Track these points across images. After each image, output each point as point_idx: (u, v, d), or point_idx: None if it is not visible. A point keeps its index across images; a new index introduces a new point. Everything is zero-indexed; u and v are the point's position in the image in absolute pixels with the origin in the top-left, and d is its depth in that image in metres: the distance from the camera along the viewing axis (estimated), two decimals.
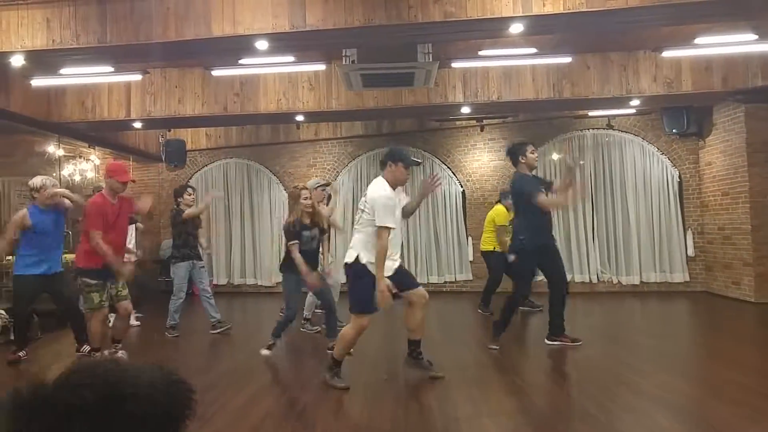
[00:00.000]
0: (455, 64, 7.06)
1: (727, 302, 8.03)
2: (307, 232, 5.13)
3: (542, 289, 5.79)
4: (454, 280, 9.79)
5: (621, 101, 7.84)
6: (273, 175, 10.35)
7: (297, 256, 5.01)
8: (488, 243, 7.44)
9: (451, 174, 9.88)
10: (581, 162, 9.52)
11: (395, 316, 7.33)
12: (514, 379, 4.40)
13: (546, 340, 5.39)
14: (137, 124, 8.25)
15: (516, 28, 5.16)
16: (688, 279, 9.20)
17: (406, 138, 9.98)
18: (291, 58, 6.60)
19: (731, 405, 3.66)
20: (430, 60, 5.63)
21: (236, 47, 5.70)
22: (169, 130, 9.33)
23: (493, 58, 6.85)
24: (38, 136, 8.41)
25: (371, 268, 4.00)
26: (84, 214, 4.97)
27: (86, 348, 5.16)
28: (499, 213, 7.30)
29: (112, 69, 6.81)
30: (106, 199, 4.85)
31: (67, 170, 9.74)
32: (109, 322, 6.72)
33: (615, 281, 9.36)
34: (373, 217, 4.00)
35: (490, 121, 9.49)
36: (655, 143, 9.38)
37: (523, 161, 5.30)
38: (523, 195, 5.18)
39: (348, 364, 4.98)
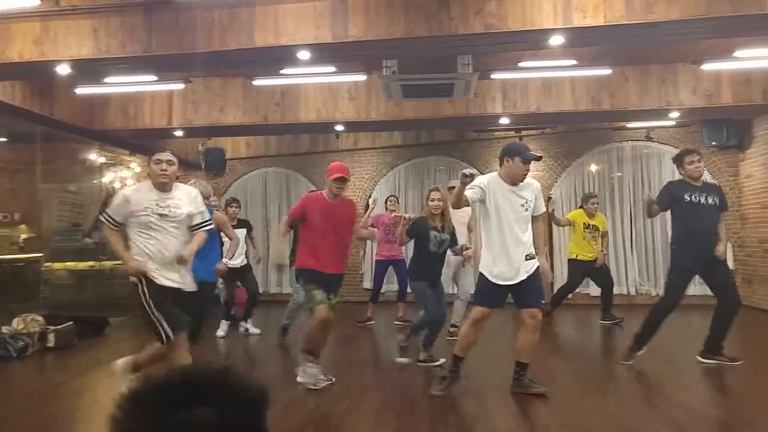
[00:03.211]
0: (495, 76, 7.09)
1: (767, 316, 7.84)
2: (435, 234, 5.02)
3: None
4: None
5: (660, 113, 7.77)
6: (312, 185, 10.40)
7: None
8: (570, 251, 7.48)
9: None
10: (618, 174, 9.45)
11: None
12: (553, 391, 4.34)
13: (699, 357, 5.12)
14: (178, 133, 8.44)
15: (556, 40, 5.16)
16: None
17: (444, 148, 10.02)
18: (332, 69, 6.70)
19: None
20: (470, 71, 5.65)
21: (278, 57, 5.80)
22: (209, 139, 9.52)
23: (532, 70, 6.88)
24: (81, 143, 8.60)
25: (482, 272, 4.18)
26: None
27: None
28: (573, 214, 7.45)
29: (155, 78, 7.00)
30: (321, 196, 4.61)
31: (107, 177, 9.97)
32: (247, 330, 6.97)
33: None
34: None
35: (528, 132, 9.47)
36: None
37: (681, 172, 5.16)
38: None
39: (385, 375, 5.00)
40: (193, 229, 3.84)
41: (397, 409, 4.03)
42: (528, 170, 4.10)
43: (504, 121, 8.14)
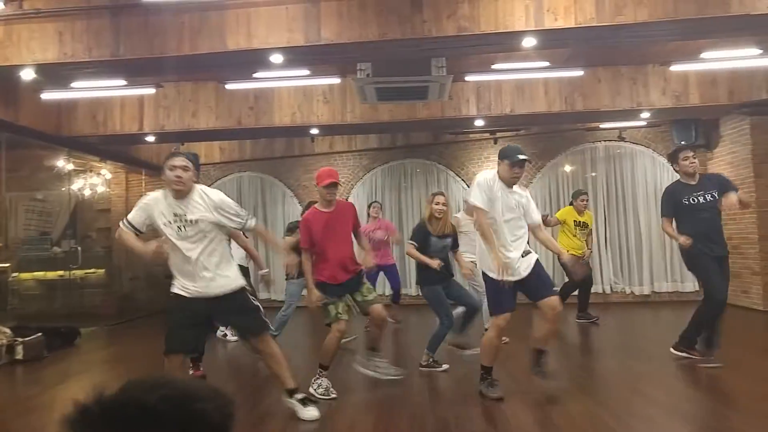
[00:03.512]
0: (469, 78, 7.14)
1: (736, 311, 8.00)
2: (435, 239, 5.00)
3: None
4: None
5: (631, 114, 7.92)
6: (287, 189, 10.36)
7: (414, 253, 4.98)
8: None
9: (465, 186, 9.91)
10: (593, 174, 9.58)
11: (409, 325, 7.32)
12: (530, 391, 4.38)
13: (672, 349, 5.16)
14: (150, 138, 8.30)
15: (528, 42, 5.22)
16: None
17: (420, 151, 10.05)
18: (306, 72, 6.66)
19: (743, 414, 3.69)
20: (444, 74, 5.67)
21: (251, 61, 5.75)
22: (182, 144, 9.39)
23: (506, 72, 6.93)
24: (47, 150, 8.39)
25: (486, 272, 4.13)
26: None
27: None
28: (563, 212, 7.36)
29: (124, 82, 6.86)
30: (315, 210, 4.46)
31: (77, 185, 9.77)
32: (225, 335, 6.81)
33: (628, 291, 9.37)
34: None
35: (503, 133, 9.54)
36: (665, 155, 9.42)
37: (676, 169, 5.14)
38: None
39: (363, 377, 4.96)
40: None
41: (375, 411, 4.03)
42: (517, 173, 4.08)
43: (479, 123, 8.19)
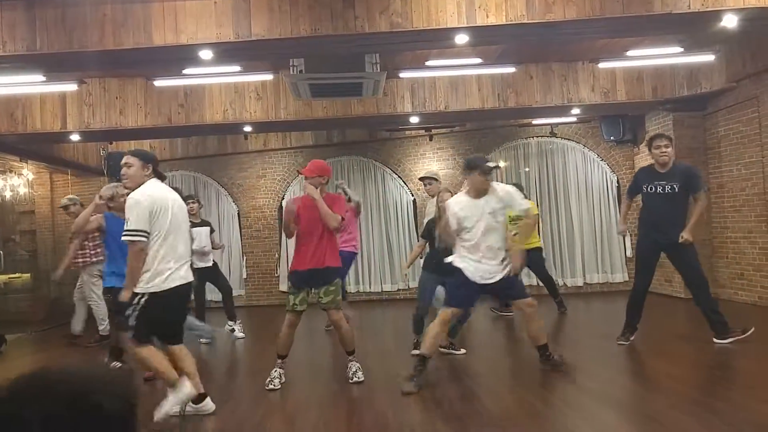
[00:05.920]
0: (403, 75, 7.15)
1: (660, 299, 8.36)
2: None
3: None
4: (407, 287, 9.81)
5: (562, 110, 8.14)
6: (221, 187, 10.12)
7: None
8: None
9: (402, 183, 9.96)
10: (526, 169, 9.80)
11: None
12: (466, 382, 4.48)
13: (714, 340, 5.08)
14: (75, 137, 7.89)
15: (461, 39, 5.25)
16: (627, 278, 9.58)
17: (356, 148, 10.00)
18: (237, 68, 6.50)
19: (667, 397, 3.87)
20: (378, 70, 5.66)
21: (179, 57, 5.56)
22: (111, 143, 8.99)
23: (439, 69, 6.99)
24: None
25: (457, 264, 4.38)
26: None
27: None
28: None
29: (43, 78, 6.49)
30: (305, 196, 4.67)
31: None
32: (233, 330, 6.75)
33: (561, 283, 9.62)
34: None
35: (438, 130, 9.63)
36: (595, 150, 9.76)
37: (651, 156, 5.27)
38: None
39: (303, 373, 4.95)
40: None
41: (314, 408, 4.02)
42: (489, 180, 4.33)
43: (414, 119, 8.23)
